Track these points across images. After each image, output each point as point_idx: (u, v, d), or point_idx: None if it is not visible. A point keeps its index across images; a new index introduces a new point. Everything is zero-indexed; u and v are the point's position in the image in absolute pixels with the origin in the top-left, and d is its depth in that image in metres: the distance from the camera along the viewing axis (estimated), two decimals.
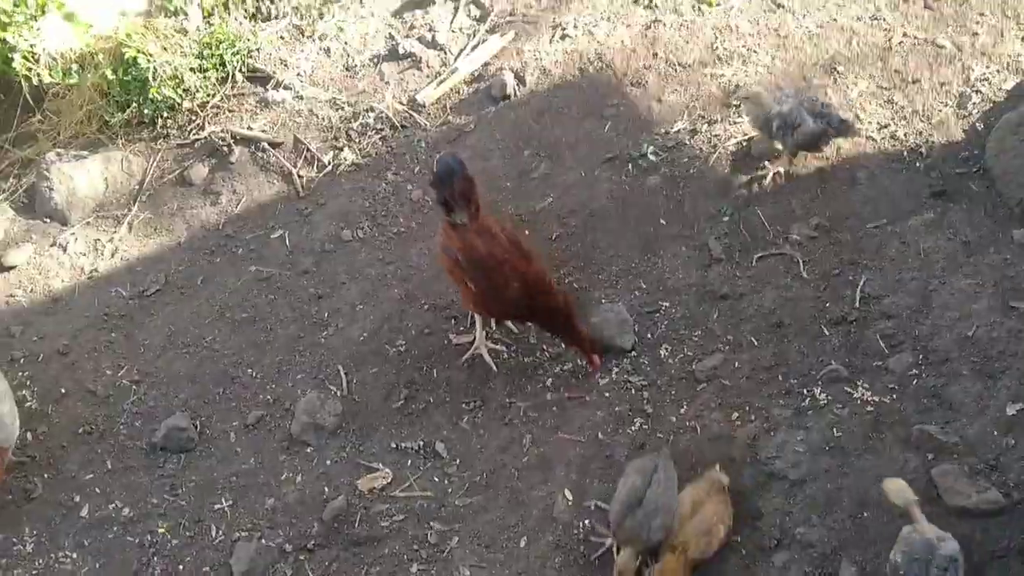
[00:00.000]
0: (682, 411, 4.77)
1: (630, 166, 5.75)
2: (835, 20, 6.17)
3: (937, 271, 4.94)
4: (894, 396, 4.57)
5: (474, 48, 6.47)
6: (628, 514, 4.15)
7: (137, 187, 6.25)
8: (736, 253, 5.25)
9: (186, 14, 6.48)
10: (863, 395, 4.60)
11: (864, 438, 4.46)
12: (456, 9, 6.71)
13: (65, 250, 6.03)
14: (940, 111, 5.59)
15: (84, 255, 6.01)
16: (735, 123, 5.75)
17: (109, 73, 6.20)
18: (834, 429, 4.50)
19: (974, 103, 5.57)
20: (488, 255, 4.74)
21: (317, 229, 5.88)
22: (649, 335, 5.09)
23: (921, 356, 4.67)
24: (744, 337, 4.94)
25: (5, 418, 4.72)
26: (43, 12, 6.28)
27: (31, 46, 6.21)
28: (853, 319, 4.87)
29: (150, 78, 6.16)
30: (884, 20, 6.12)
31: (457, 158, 4.93)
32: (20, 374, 5.41)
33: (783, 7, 6.28)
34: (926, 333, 4.73)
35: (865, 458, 4.39)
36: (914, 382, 4.60)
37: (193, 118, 6.38)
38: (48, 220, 6.20)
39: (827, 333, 4.86)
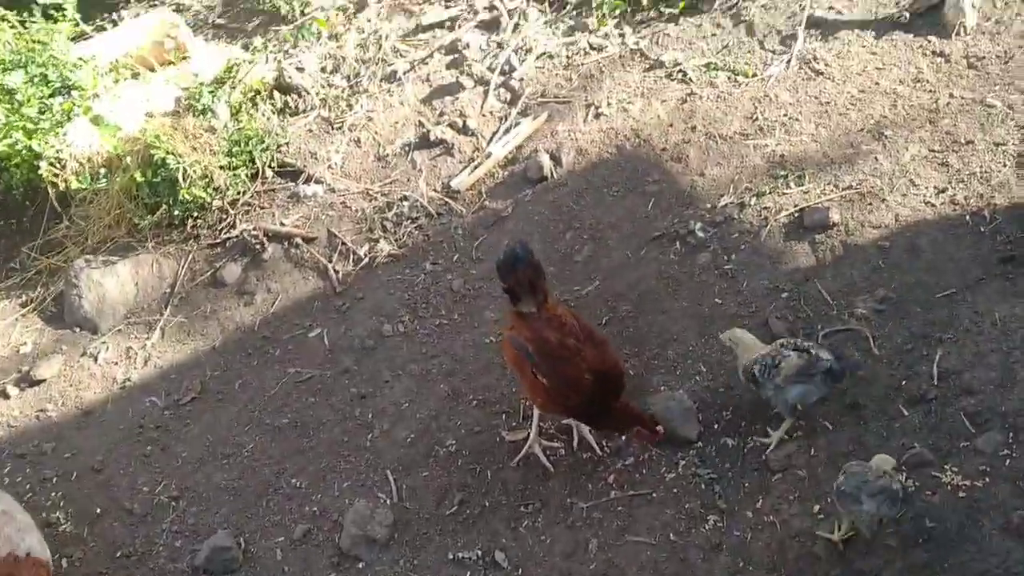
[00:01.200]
0: (758, 505, 4.45)
1: (678, 244, 5.53)
2: (877, 84, 6.00)
3: (1018, 341, 4.63)
4: (987, 479, 4.23)
5: (507, 131, 6.32)
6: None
7: (169, 290, 6.08)
8: (800, 331, 4.98)
9: (214, 112, 6.40)
10: (953, 479, 4.27)
11: (960, 527, 4.12)
12: (486, 93, 6.58)
13: (96, 360, 5.84)
14: (999, 172, 5.36)
15: (116, 364, 5.82)
16: (784, 194, 5.54)
17: (138, 175, 6.09)
18: (926, 519, 4.16)
19: None
20: (560, 345, 4.47)
21: (356, 325, 5.67)
22: (715, 423, 4.80)
23: (1011, 434, 4.34)
24: (817, 421, 4.64)
25: (35, 547, 4.47)
26: (69, 118, 6.21)
27: (57, 152, 6.12)
28: (932, 397, 4.57)
29: (180, 178, 6.04)
30: (927, 82, 5.94)
31: (524, 244, 4.68)
32: (53, 494, 5.18)
33: (822, 74, 6.12)
34: (1014, 408, 4.41)
35: (964, 550, 4.05)
36: (1007, 462, 4.26)
37: (224, 217, 6.24)
38: (78, 329, 6.04)
39: (906, 413, 4.56)
